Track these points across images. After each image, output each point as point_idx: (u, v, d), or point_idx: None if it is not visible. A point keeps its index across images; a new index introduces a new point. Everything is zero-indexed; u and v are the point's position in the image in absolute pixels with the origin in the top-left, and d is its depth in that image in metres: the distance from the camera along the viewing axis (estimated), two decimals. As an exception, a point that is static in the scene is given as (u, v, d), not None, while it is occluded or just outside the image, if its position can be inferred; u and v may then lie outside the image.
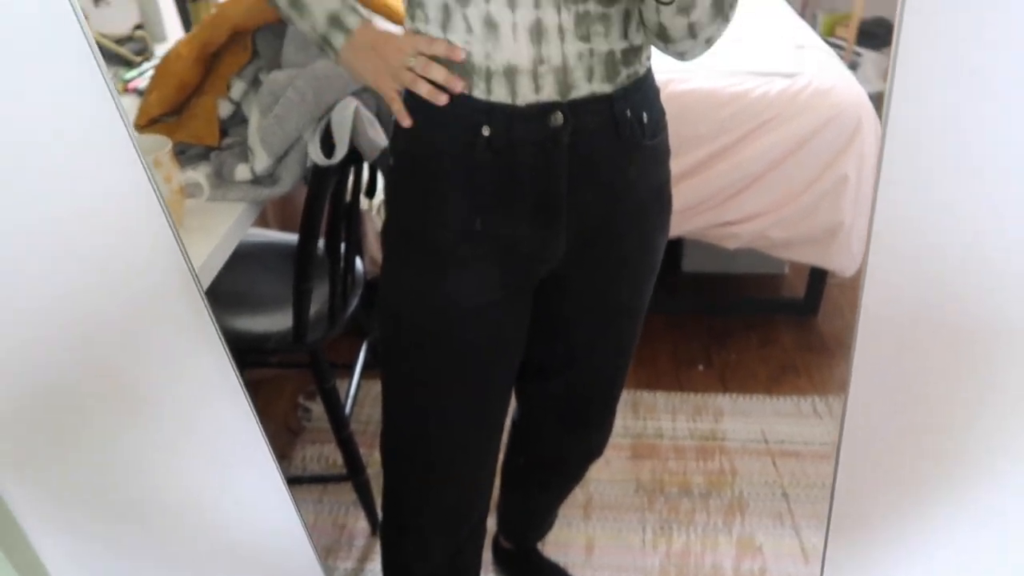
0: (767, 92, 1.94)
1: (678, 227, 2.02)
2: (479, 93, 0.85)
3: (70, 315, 0.77)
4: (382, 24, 1.04)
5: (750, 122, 1.93)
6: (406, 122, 0.88)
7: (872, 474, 0.95)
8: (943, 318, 0.80)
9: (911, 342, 0.82)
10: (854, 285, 2.28)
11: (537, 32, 0.81)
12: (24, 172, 0.69)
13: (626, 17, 0.85)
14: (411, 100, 0.90)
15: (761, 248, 2.06)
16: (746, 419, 1.94)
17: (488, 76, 0.84)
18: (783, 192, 1.96)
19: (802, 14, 3.52)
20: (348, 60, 0.90)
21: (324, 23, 0.89)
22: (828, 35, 3.32)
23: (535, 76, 0.83)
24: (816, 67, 2.03)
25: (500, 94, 0.84)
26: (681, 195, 1.98)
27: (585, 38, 0.83)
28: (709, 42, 0.83)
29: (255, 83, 1.18)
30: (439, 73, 0.84)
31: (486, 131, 0.86)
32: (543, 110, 0.85)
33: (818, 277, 2.23)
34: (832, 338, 2.21)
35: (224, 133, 1.23)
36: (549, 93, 0.84)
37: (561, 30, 0.82)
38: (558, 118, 0.85)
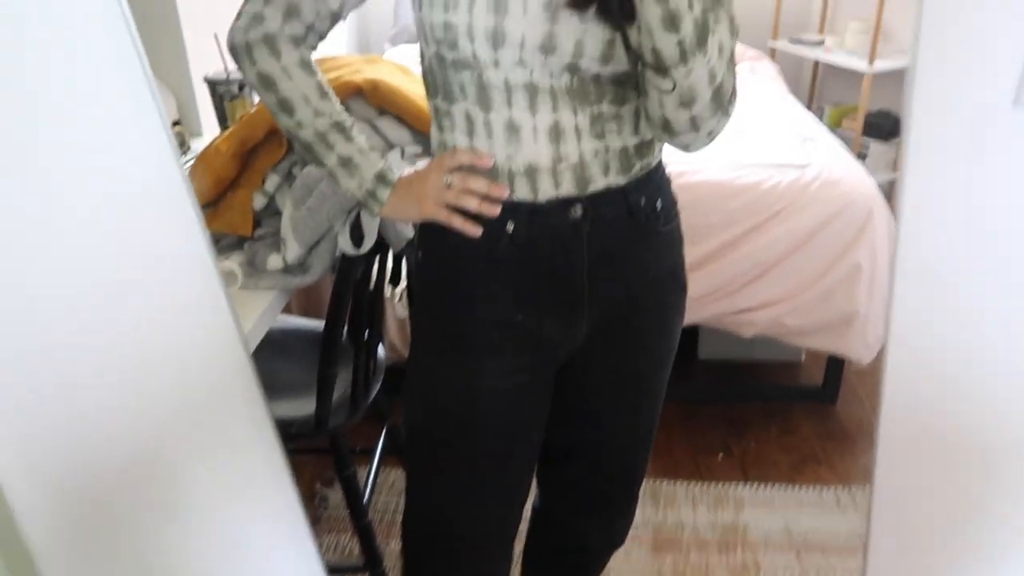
0: (778, 183, 1.99)
1: (694, 314, 2.04)
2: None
3: (134, 404, 0.78)
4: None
5: (762, 212, 1.98)
6: (476, 232, 0.91)
7: (902, 569, 0.93)
8: (966, 410, 0.80)
9: (935, 435, 0.82)
10: (873, 372, 2.27)
11: (556, 133, 0.87)
12: (109, 278, 0.73)
13: (636, 114, 0.90)
14: None
15: (777, 336, 2.07)
16: (768, 510, 1.90)
17: (511, 176, 0.89)
18: (797, 281, 1.99)
19: (809, 107, 3.64)
20: (392, 208, 0.95)
21: (372, 180, 0.94)
22: (835, 127, 3.42)
23: (555, 174, 0.88)
24: (825, 159, 2.09)
25: (522, 192, 0.90)
26: (696, 283, 2.01)
27: (600, 136, 0.88)
28: (711, 135, 0.87)
29: (289, 177, 1.24)
30: (480, 183, 0.89)
31: (510, 227, 0.91)
32: (563, 205, 0.90)
33: (836, 365, 2.23)
34: (853, 426, 2.19)
35: (257, 224, 1.28)
36: (568, 189, 0.89)
37: (578, 130, 0.87)
38: (577, 211, 0.90)
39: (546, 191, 0.89)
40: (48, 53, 0.64)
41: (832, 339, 2.03)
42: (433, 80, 0.91)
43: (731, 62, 0.82)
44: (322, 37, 0.94)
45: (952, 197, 0.38)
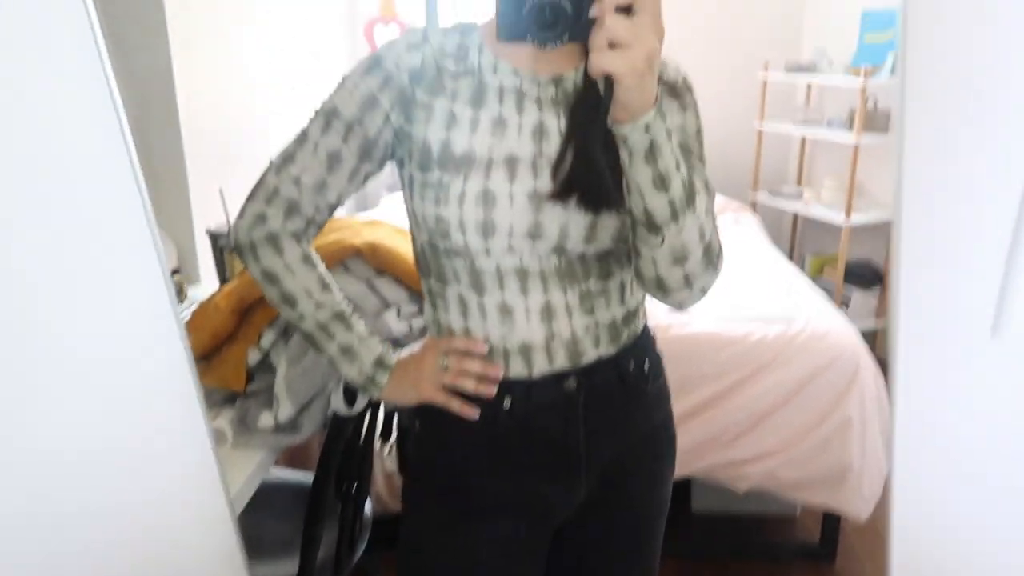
0: (765, 336, 2.02)
1: (687, 467, 2.02)
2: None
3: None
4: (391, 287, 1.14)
5: (750, 364, 2.00)
6: (474, 415, 0.93)
7: None
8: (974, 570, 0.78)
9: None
10: (872, 529, 2.22)
11: (547, 313, 0.90)
12: (106, 457, 0.72)
13: (622, 287, 0.94)
14: None
15: (772, 489, 2.03)
16: None
17: (506, 355, 0.92)
18: (789, 433, 1.98)
19: (790, 255, 3.76)
20: (391, 392, 0.97)
21: (371, 366, 0.96)
22: (817, 275, 3.52)
23: (548, 350, 0.91)
24: (810, 312, 2.13)
25: (517, 369, 0.92)
26: (688, 434, 2.00)
27: (590, 312, 0.92)
28: (703, 291, 0.90)
29: (285, 334, 1.25)
30: (475, 365, 0.91)
31: (507, 403, 0.93)
32: (558, 378, 0.92)
33: (832, 520, 2.18)
34: (853, 586, 2.11)
35: (250, 378, 1.28)
36: (562, 363, 0.92)
37: (568, 308, 0.90)
38: (572, 383, 0.93)
39: (540, 367, 0.92)
40: (51, 197, 0.64)
41: (827, 494, 2.00)
42: (426, 263, 0.94)
43: (715, 222, 0.86)
44: (321, 227, 0.97)
45: (941, 415, 0.39)
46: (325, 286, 0.96)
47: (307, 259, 0.95)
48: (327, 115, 0.90)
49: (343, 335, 0.95)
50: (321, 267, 0.97)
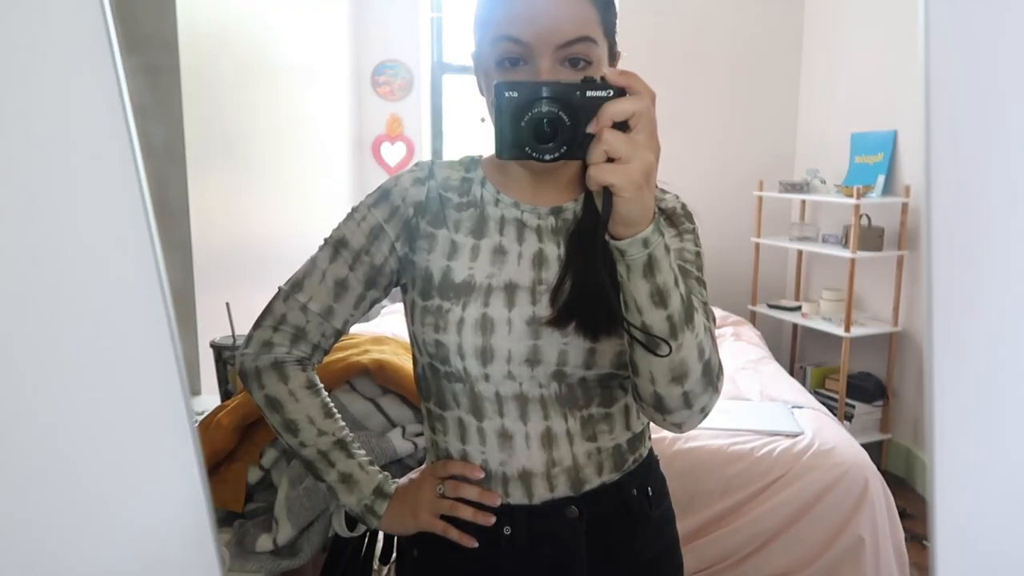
0: (772, 451, 2.00)
1: (697, 589, 1.94)
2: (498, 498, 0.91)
3: None
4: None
5: (758, 481, 1.96)
6: (472, 544, 0.90)
7: None
8: None
9: None
10: (890, 659, 2.11)
11: (548, 439, 0.89)
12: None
13: (626, 411, 0.93)
14: None
15: (785, 614, 1.95)
16: None
17: (505, 481, 0.90)
18: (801, 553, 1.92)
19: (791, 367, 3.75)
20: (390, 521, 0.94)
21: (371, 496, 0.93)
22: (818, 387, 3.50)
23: (549, 477, 0.89)
24: (816, 427, 2.12)
25: (517, 496, 0.90)
26: (699, 552, 1.94)
27: (592, 438, 0.90)
28: (704, 412, 0.86)
29: (286, 453, 1.23)
30: (472, 491, 0.90)
31: (507, 531, 0.90)
32: (559, 506, 0.90)
33: (849, 648, 2.08)
34: None
35: (249, 497, 1.25)
36: (563, 490, 0.90)
37: (569, 434, 0.89)
38: (573, 511, 0.90)
39: (541, 494, 0.90)
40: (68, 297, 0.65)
41: (843, 618, 1.91)
42: (426, 386, 0.94)
43: (715, 341, 0.85)
44: (326, 353, 0.98)
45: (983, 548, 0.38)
46: (328, 413, 0.95)
47: (312, 386, 0.95)
48: (335, 244, 0.92)
49: (344, 463, 0.93)
50: (324, 394, 0.96)
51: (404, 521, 0.93)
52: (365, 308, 0.95)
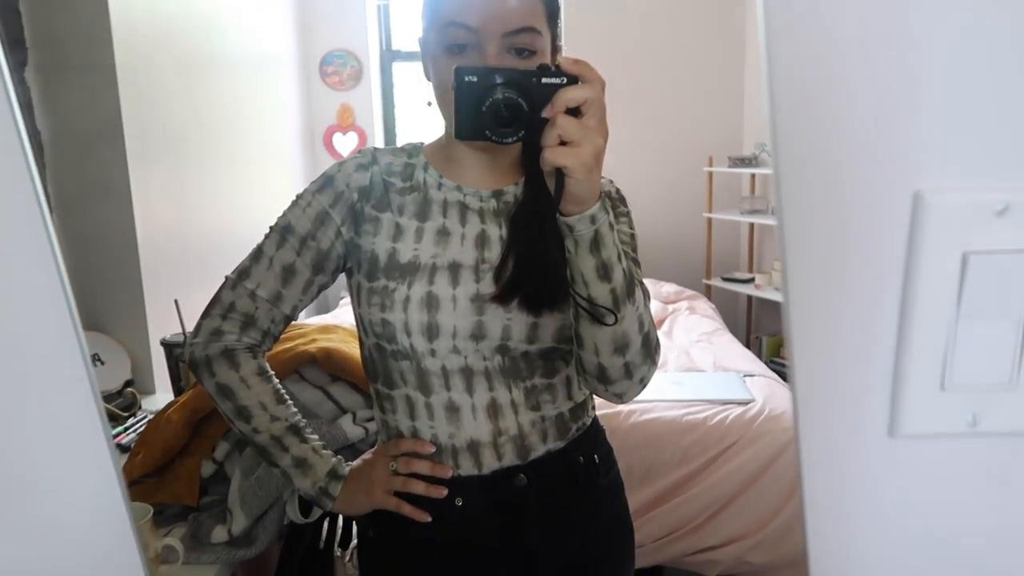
0: (724, 419, 2.05)
1: (658, 555, 2.00)
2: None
3: None
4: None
5: (712, 448, 2.02)
6: (425, 518, 0.93)
7: None
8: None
9: None
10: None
11: (493, 409, 0.92)
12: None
13: (568, 382, 0.96)
14: None
15: (743, 574, 2.01)
16: None
17: (455, 453, 0.93)
18: (756, 516, 1.99)
19: (747, 337, 3.84)
20: (344, 502, 0.95)
21: (325, 478, 0.94)
22: (774, 356, 3.59)
23: (496, 447, 0.93)
24: (767, 393, 2.18)
25: (467, 467, 0.93)
26: (657, 521, 1.99)
27: (535, 408, 0.94)
28: (643, 382, 0.91)
29: (239, 444, 1.24)
30: (423, 466, 0.92)
31: (459, 502, 0.93)
32: (507, 474, 0.93)
33: (806, 604, 2.15)
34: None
35: (204, 491, 1.26)
36: (510, 459, 0.93)
37: (514, 404, 0.93)
38: (522, 479, 0.94)
39: (490, 464, 0.93)
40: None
41: (798, 576, 1.99)
42: (373, 367, 0.97)
43: (652, 316, 0.90)
44: (276, 339, 0.99)
45: (846, 510, 0.42)
46: (280, 399, 0.96)
47: (262, 373, 0.96)
48: (282, 231, 0.94)
49: (297, 448, 0.95)
50: (276, 380, 0.98)
51: (358, 501, 0.95)
52: (313, 293, 0.96)
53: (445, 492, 0.92)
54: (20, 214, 0.37)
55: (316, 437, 0.97)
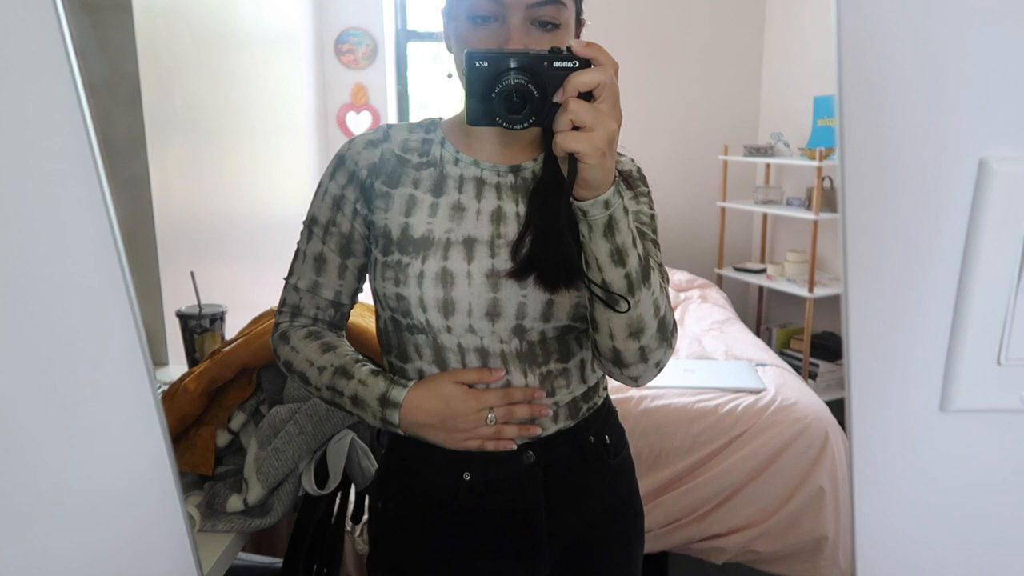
0: (735, 408, 2.05)
1: (664, 541, 2.00)
2: None
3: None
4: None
5: (722, 436, 2.01)
6: (511, 446, 0.91)
7: None
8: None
9: None
10: (849, 603, 2.19)
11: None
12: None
13: (582, 365, 0.96)
14: (393, 451, 0.99)
15: (749, 562, 2.02)
16: None
17: None
18: (763, 505, 1.98)
19: (757, 328, 3.83)
20: (414, 431, 0.92)
21: (379, 408, 0.91)
22: (784, 348, 3.57)
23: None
24: (779, 383, 2.17)
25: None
26: (664, 508, 1.99)
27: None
28: (659, 366, 0.91)
29: (255, 415, 1.24)
30: (523, 411, 0.91)
31: (467, 476, 0.93)
32: (517, 451, 0.93)
33: (811, 594, 2.16)
34: (836, 663, 2.07)
35: (219, 461, 1.26)
36: (520, 438, 0.93)
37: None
38: (530, 456, 0.93)
39: None
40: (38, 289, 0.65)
41: (804, 565, 1.98)
42: (387, 340, 0.97)
43: (669, 300, 0.89)
44: (333, 322, 1.01)
45: (895, 485, 0.41)
46: (326, 349, 0.95)
47: (310, 335, 0.97)
48: (309, 224, 0.98)
49: (348, 387, 0.92)
50: (327, 336, 0.97)
51: (436, 440, 0.92)
52: (353, 275, 0.98)
53: (539, 431, 0.93)
54: (75, 162, 0.37)
55: (365, 368, 0.93)
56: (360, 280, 0.99)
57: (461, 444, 0.91)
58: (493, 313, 0.89)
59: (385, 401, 0.90)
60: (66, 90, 0.37)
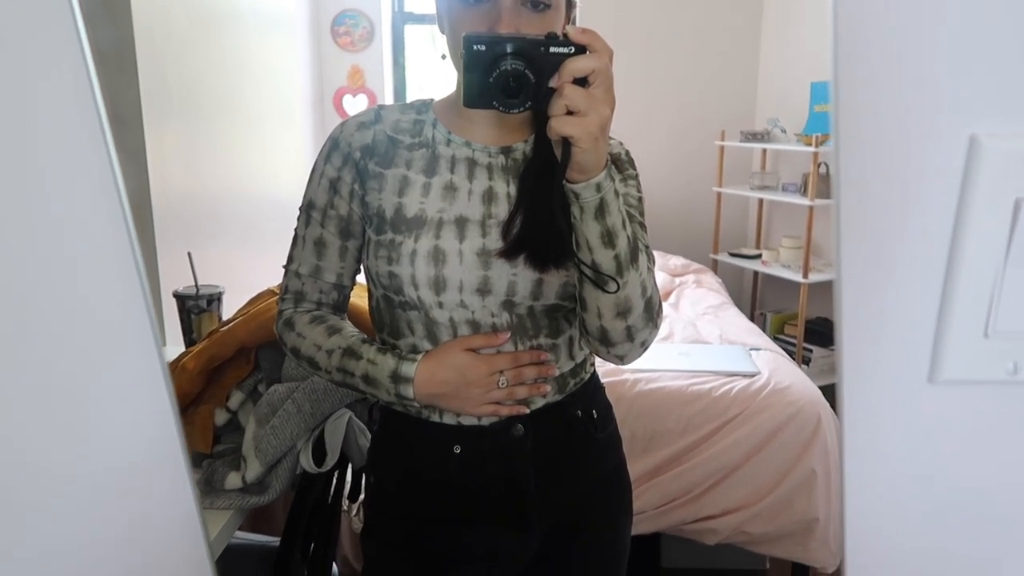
0: (730, 390, 2.06)
1: (657, 522, 2.02)
2: (448, 418, 0.95)
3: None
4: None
5: (716, 419, 2.03)
6: (524, 410, 0.94)
7: None
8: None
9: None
10: (839, 583, 2.23)
11: None
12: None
13: (571, 342, 0.98)
14: (384, 427, 1.01)
15: (741, 543, 2.04)
16: None
17: None
18: (756, 487, 2.01)
19: (752, 313, 3.84)
20: (429, 402, 0.93)
21: (391, 385, 0.91)
22: (778, 333, 3.59)
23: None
24: (772, 367, 2.19)
25: (466, 416, 0.94)
26: (658, 489, 2.01)
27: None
28: (644, 345, 0.93)
29: (253, 394, 1.25)
30: (532, 372, 0.94)
31: (457, 449, 0.95)
32: (505, 425, 0.95)
33: (801, 572, 2.18)
34: (825, 642, 2.10)
35: (217, 439, 1.27)
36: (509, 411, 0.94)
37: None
38: (519, 430, 0.95)
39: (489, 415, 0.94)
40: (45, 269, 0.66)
41: (796, 547, 2.01)
42: (380, 317, 0.98)
43: (655, 281, 0.91)
44: (337, 304, 1.02)
45: (884, 453, 0.42)
46: (333, 332, 0.95)
47: (315, 319, 0.98)
48: (306, 210, 0.98)
49: (359, 367, 0.92)
50: (332, 319, 0.98)
51: (450, 406, 0.93)
52: (353, 256, 0.99)
53: (548, 389, 0.95)
54: (83, 134, 0.37)
55: (372, 347, 0.94)
56: (359, 261, 1.00)
57: (476, 410, 0.93)
58: (484, 290, 0.91)
59: (397, 377, 0.91)
60: (75, 59, 0.37)
